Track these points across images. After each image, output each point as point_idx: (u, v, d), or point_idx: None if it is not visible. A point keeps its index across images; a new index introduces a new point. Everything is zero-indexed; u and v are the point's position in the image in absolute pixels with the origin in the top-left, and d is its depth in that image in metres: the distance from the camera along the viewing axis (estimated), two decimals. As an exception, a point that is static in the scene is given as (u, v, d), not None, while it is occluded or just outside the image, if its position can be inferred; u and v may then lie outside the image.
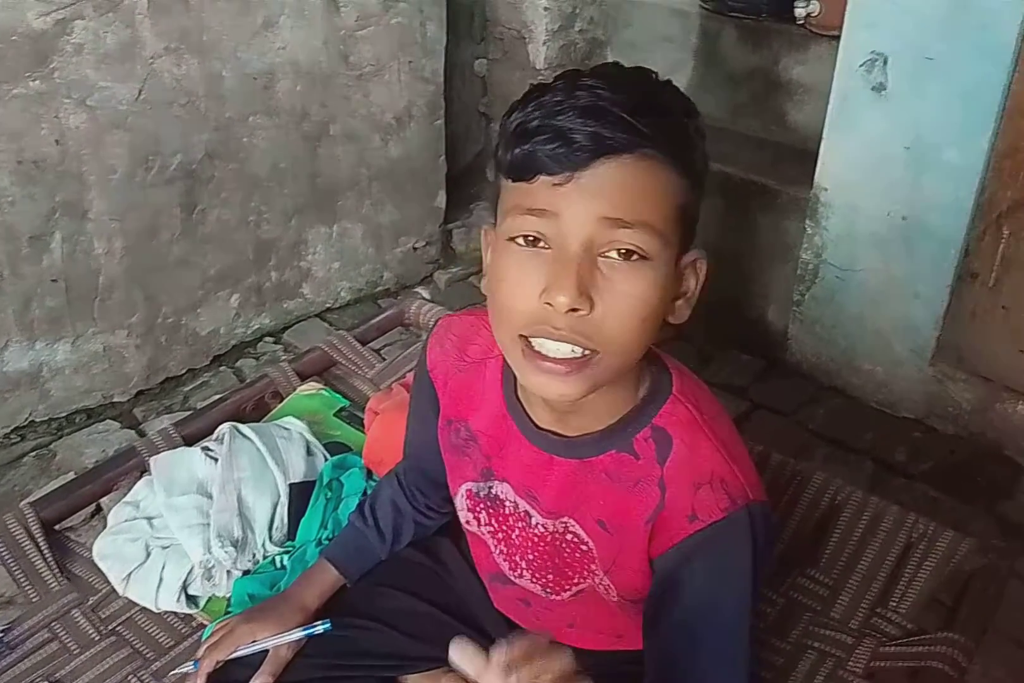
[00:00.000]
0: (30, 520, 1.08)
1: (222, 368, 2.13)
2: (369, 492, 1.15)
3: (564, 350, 0.66)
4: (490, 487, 0.84)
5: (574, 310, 0.64)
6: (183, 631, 1.03)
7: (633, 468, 0.74)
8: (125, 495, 1.18)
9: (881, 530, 1.07)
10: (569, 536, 0.79)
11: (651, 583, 0.76)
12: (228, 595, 1.05)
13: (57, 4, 1.62)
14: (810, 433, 1.84)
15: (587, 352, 0.66)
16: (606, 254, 0.65)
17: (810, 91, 2.09)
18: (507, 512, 0.83)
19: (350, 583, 0.99)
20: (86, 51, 1.69)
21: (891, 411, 1.93)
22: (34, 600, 1.03)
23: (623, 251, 0.65)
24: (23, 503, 1.12)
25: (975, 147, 1.65)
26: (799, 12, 2.05)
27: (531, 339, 0.67)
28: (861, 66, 1.72)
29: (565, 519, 0.79)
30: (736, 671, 0.74)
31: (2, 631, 1.00)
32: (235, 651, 0.90)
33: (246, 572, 1.07)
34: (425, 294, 2.25)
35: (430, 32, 2.19)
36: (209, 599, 1.06)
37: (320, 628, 0.91)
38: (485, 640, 0.92)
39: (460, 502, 0.89)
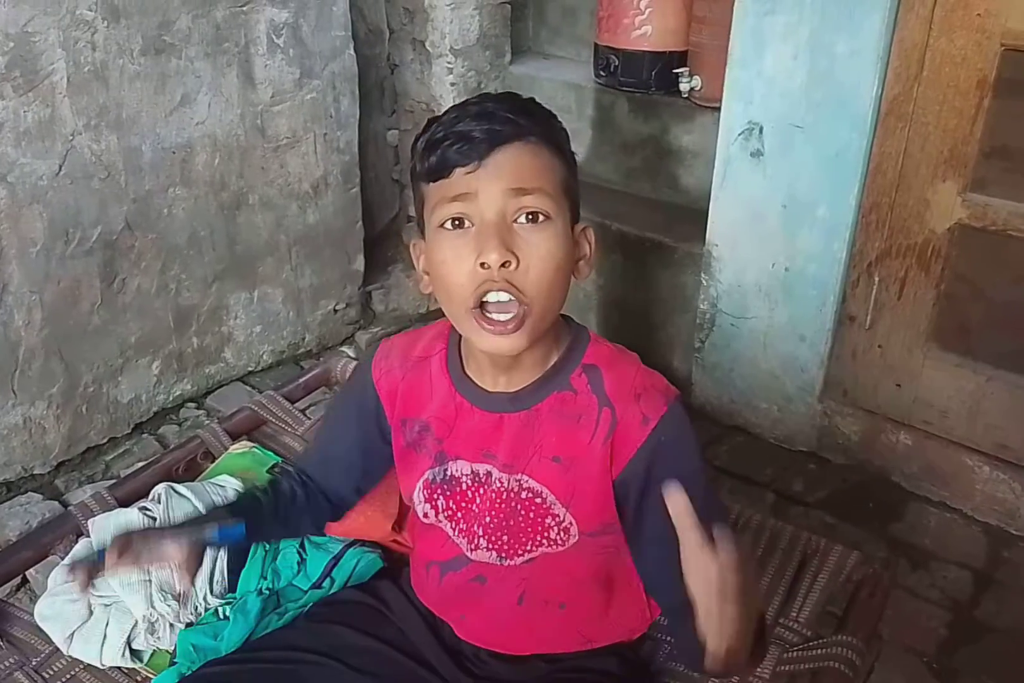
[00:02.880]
0: (-33, 587, 1.09)
1: (144, 435, 2.14)
2: (306, 543, 1.20)
3: (504, 298, 0.82)
4: (445, 469, 0.95)
5: (505, 265, 0.80)
6: (128, 686, 1.05)
7: (574, 403, 0.90)
8: (59, 560, 1.19)
9: (779, 549, 1.18)
10: (524, 494, 0.91)
11: (622, 496, 0.90)
12: (172, 648, 1.08)
13: (-23, 86, 1.67)
14: (716, 469, 1.97)
15: (523, 308, 0.82)
16: (517, 220, 0.82)
17: (698, 156, 2.28)
18: (463, 488, 0.94)
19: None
20: (6, 129, 1.74)
21: (787, 445, 2.08)
22: (-25, 665, 1.04)
23: (530, 215, 0.82)
24: (-42, 570, 1.13)
25: (844, 204, 1.84)
26: (683, 87, 2.25)
27: (482, 309, 0.82)
28: (740, 134, 1.91)
29: (519, 476, 0.91)
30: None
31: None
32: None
33: (188, 624, 1.10)
34: (350, 352, 2.32)
35: (343, 106, 2.31)
36: (153, 653, 1.08)
37: (232, 523, 0.92)
38: (429, 673, 0.99)
39: (418, 497, 0.97)
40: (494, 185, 0.80)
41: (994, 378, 1.80)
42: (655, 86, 2.33)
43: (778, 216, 1.91)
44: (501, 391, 0.91)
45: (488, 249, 0.79)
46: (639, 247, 2.24)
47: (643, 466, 0.88)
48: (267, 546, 1.18)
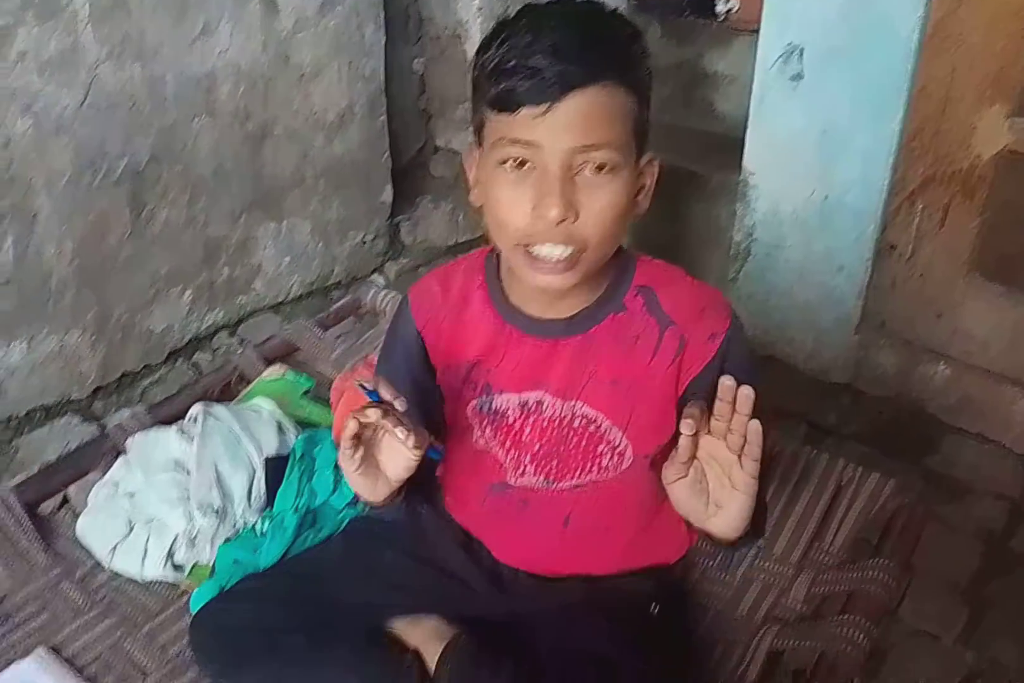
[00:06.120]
0: (11, 502, 1.12)
1: (178, 363, 2.15)
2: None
3: (557, 253, 0.80)
4: (491, 401, 0.93)
5: (563, 220, 0.77)
6: (169, 597, 1.08)
7: (629, 325, 0.89)
8: (99, 478, 1.22)
9: (814, 476, 1.17)
10: (577, 421, 0.90)
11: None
12: (211, 562, 1.10)
13: (-1, 11, 1.64)
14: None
15: (576, 251, 0.80)
16: (582, 171, 0.78)
17: (734, 82, 2.21)
18: (510, 421, 0.93)
19: None
20: (29, 58, 1.71)
21: (822, 377, 2.05)
22: (22, 576, 1.07)
23: (596, 166, 0.78)
24: (3, 487, 1.15)
25: (886, 130, 1.77)
26: (719, 8, 2.17)
27: (529, 247, 0.81)
28: (779, 58, 1.84)
29: (574, 402, 0.90)
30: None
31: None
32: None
33: (226, 540, 1.12)
34: (380, 281, 2.31)
35: (368, 33, 2.25)
36: (193, 566, 1.11)
37: (439, 445, 0.89)
38: (463, 587, 1.00)
39: (470, 422, 0.96)
40: (562, 138, 0.76)
41: (1037, 308, 1.76)
42: (690, 9, 2.24)
43: (817, 143, 1.85)
44: (553, 317, 0.89)
45: (548, 204, 0.77)
46: (672, 177, 2.15)
47: (709, 379, 0.86)
48: (302, 466, 1.19)
